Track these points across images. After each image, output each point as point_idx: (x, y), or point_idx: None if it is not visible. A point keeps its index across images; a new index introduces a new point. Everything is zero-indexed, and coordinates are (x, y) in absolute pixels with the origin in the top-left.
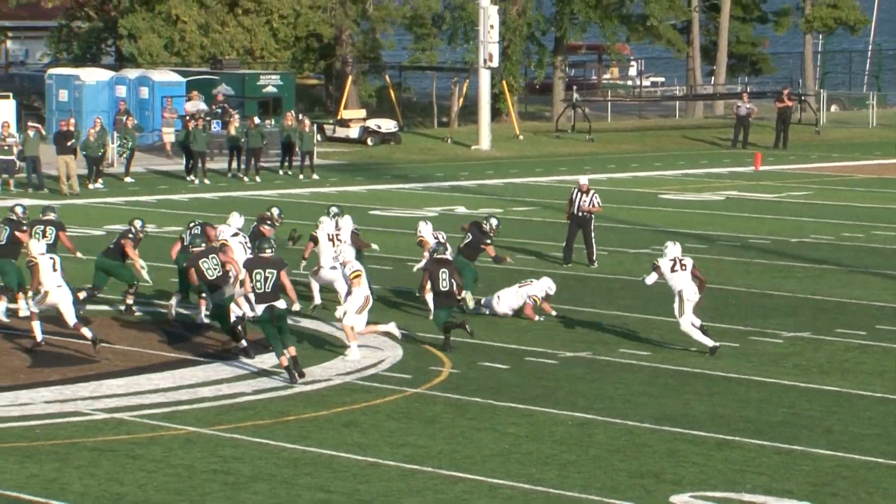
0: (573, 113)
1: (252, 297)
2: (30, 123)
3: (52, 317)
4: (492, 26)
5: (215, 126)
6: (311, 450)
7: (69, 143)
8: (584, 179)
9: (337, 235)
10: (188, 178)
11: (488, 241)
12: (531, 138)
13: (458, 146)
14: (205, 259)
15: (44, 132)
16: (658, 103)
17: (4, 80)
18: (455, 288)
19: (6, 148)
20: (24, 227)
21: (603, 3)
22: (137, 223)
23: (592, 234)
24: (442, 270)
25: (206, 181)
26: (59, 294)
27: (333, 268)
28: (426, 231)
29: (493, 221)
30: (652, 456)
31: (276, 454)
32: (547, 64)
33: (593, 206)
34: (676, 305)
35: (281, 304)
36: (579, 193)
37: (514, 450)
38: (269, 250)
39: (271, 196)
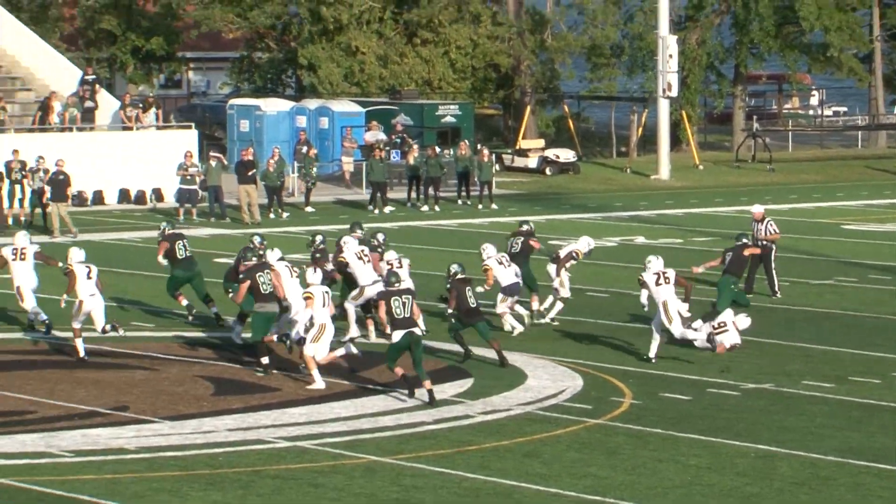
0: (753, 143)
1: (390, 323)
2: (212, 153)
3: (219, 343)
4: (671, 56)
5: (394, 156)
6: (492, 479)
7: (250, 173)
8: (757, 208)
9: (363, 251)
10: (369, 208)
11: (749, 244)
12: (711, 168)
13: (636, 176)
14: (260, 273)
15: (225, 162)
16: (840, 133)
17: (186, 111)
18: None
19: (189, 177)
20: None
21: (783, 33)
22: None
23: (774, 265)
24: (468, 289)
25: (386, 211)
26: (91, 302)
27: (377, 282)
28: (491, 252)
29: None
30: (837, 489)
31: (458, 484)
32: (726, 93)
33: (770, 233)
34: (663, 316)
35: (418, 330)
36: (755, 223)
37: (696, 481)
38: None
39: (450, 226)
